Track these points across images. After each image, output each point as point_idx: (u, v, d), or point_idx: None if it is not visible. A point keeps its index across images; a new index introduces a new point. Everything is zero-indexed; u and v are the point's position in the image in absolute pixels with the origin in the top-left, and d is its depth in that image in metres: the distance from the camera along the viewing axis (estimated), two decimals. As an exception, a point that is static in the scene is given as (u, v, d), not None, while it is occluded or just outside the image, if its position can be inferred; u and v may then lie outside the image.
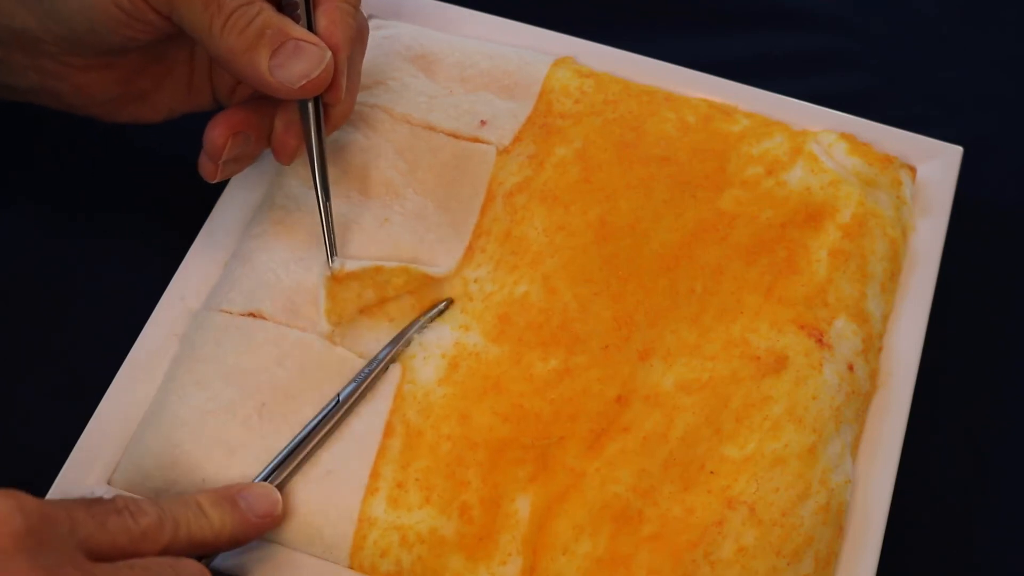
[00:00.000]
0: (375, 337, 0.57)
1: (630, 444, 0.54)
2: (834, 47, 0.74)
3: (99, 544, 0.45)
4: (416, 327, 0.57)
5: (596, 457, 0.54)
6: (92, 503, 0.47)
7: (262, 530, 0.51)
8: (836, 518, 0.53)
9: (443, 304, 0.58)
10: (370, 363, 0.56)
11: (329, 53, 0.54)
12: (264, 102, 0.57)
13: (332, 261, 0.57)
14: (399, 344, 0.56)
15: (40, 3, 0.54)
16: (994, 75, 0.74)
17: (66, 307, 0.62)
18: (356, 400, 0.55)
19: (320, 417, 0.54)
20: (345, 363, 0.56)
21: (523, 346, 0.56)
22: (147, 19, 0.54)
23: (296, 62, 0.53)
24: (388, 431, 0.54)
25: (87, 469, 0.53)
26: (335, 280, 0.57)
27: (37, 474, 0.54)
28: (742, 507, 0.52)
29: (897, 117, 0.64)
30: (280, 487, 0.52)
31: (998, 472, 0.61)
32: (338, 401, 0.54)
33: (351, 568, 0.52)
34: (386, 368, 0.56)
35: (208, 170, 0.57)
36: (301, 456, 0.53)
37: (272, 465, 0.53)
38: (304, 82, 0.54)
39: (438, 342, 0.56)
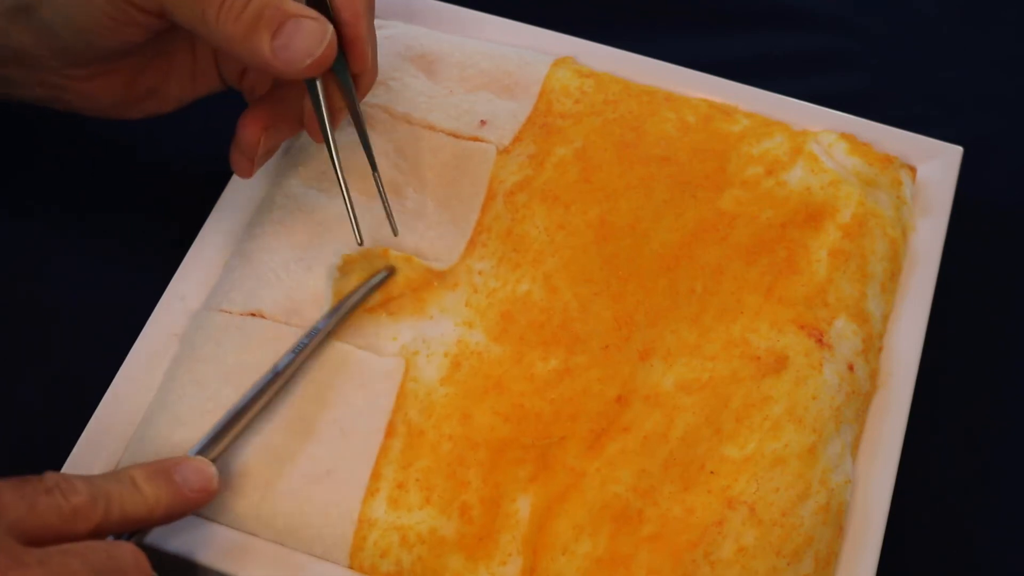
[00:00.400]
0: (374, 331, 0.57)
1: (630, 444, 0.54)
2: (834, 47, 0.74)
3: (30, 526, 0.45)
4: (356, 298, 0.56)
5: (596, 457, 0.54)
6: (21, 483, 0.46)
7: (197, 504, 0.50)
8: (836, 518, 0.53)
9: (384, 274, 0.57)
10: (308, 333, 0.55)
11: (331, 27, 0.53)
12: (287, 88, 0.57)
13: (394, 229, 0.57)
14: (338, 316, 0.56)
15: (31, 20, 0.54)
16: (994, 75, 0.74)
17: (67, 306, 0.62)
18: (357, 395, 0.55)
19: (257, 389, 0.53)
20: (345, 358, 0.56)
21: (524, 345, 0.56)
22: (138, 21, 0.53)
23: (298, 41, 0.52)
24: (390, 431, 0.54)
25: (87, 469, 0.53)
26: (350, 261, 0.57)
27: (37, 474, 0.53)
28: (742, 507, 0.52)
29: (897, 117, 0.64)
30: (215, 461, 0.52)
31: (998, 472, 0.61)
32: (276, 372, 0.54)
33: (351, 568, 0.52)
34: (323, 341, 0.55)
35: (243, 167, 0.57)
36: (236, 430, 0.53)
37: (208, 438, 0.52)
38: (310, 61, 0.52)
39: (441, 339, 0.56)
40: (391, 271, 0.57)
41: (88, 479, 0.47)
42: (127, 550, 0.46)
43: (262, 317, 0.57)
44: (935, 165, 0.63)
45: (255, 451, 0.53)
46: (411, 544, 0.52)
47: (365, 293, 0.57)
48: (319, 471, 0.53)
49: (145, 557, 0.47)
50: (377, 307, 0.57)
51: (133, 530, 0.49)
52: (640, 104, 0.64)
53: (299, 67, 0.53)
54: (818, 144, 0.62)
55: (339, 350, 0.56)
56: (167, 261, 0.59)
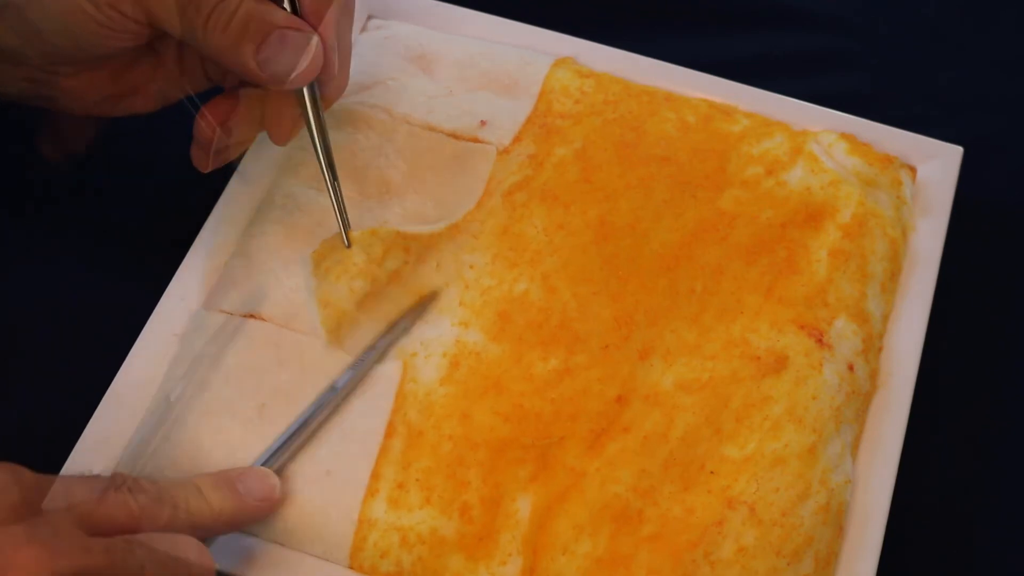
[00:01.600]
0: (374, 329, 0.57)
1: (630, 444, 0.54)
2: (834, 47, 0.74)
3: (97, 519, 0.45)
4: (412, 316, 0.57)
5: (596, 457, 0.54)
6: (91, 479, 0.47)
7: (260, 515, 0.51)
8: (836, 518, 0.53)
9: (432, 295, 0.58)
10: (367, 351, 0.56)
11: (316, 39, 0.53)
12: (253, 87, 0.56)
13: (347, 240, 0.57)
14: (395, 333, 0.56)
15: (16, 20, 0.53)
16: (994, 75, 0.74)
17: (67, 306, 0.62)
18: (356, 397, 0.55)
19: (317, 405, 0.54)
20: (346, 362, 0.56)
21: (523, 345, 0.56)
22: (128, 29, 0.53)
23: (284, 54, 0.52)
24: (390, 431, 0.54)
25: (87, 469, 0.53)
26: (320, 257, 0.57)
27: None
28: (742, 507, 0.52)
29: (897, 117, 0.64)
30: (277, 473, 0.52)
31: (998, 472, 0.61)
32: (335, 390, 0.54)
33: (351, 568, 0.52)
34: (382, 358, 0.56)
35: (200, 161, 0.57)
36: (297, 444, 0.53)
37: (270, 451, 0.53)
38: (295, 75, 0.53)
39: (439, 339, 0.56)
40: (435, 295, 0.58)
41: (155, 482, 0.48)
42: (191, 543, 0.47)
43: (261, 318, 0.57)
44: (935, 165, 0.63)
45: (255, 452, 0.53)
46: (411, 544, 0.52)
47: (419, 311, 0.57)
48: (319, 471, 0.53)
49: (208, 553, 0.47)
50: (372, 308, 0.57)
51: (197, 538, 0.49)
52: (640, 104, 0.64)
53: (282, 83, 0.53)
54: (818, 144, 0.62)
55: (336, 355, 0.56)
56: (167, 261, 0.59)
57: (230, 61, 0.53)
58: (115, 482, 0.47)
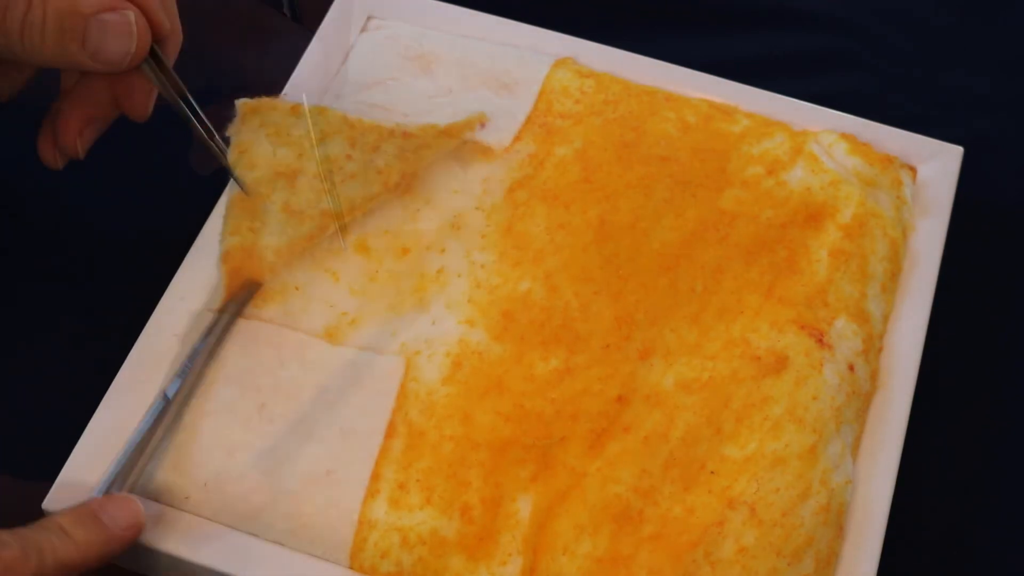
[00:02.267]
0: (375, 330, 0.57)
1: (631, 444, 0.54)
2: (834, 47, 0.74)
3: None
4: (226, 318, 0.56)
5: (597, 457, 0.54)
6: None
7: (128, 542, 0.50)
8: (836, 518, 0.53)
9: (250, 292, 0.57)
10: (190, 357, 0.55)
11: (132, 14, 0.51)
12: (95, 81, 0.55)
13: (243, 188, 0.57)
14: (214, 335, 0.55)
15: (15, 30, 0.52)
16: (994, 75, 0.74)
17: (66, 307, 0.62)
18: (357, 395, 0.55)
19: (150, 418, 0.53)
20: (345, 357, 0.56)
21: (525, 345, 0.56)
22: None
23: (110, 40, 0.51)
24: (390, 431, 0.54)
25: (88, 470, 0.53)
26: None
27: (38, 475, 0.53)
28: (743, 507, 0.52)
29: (897, 117, 0.64)
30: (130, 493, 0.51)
31: (998, 472, 0.61)
32: (167, 399, 0.53)
33: (351, 569, 0.52)
34: (207, 360, 0.55)
35: (57, 162, 0.57)
36: (143, 462, 0.52)
37: (112, 475, 0.51)
38: (129, 59, 0.52)
39: (443, 338, 0.56)
40: (256, 287, 0.57)
41: (15, 532, 0.46)
42: None
43: (260, 319, 0.57)
44: (935, 165, 0.63)
45: (255, 453, 0.53)
46: (412, 545, 0.52)
47: (236, 310, 0.56)
48: (319, 472, 0.53)
49: None
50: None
51: None
52: (640, 104, 0.64)
53: (121, 67, 0.52)
54: (818, 144, 0.62)
55: (338, 352, 0.56)
56: (167, 261, 0.59)
57: (61, 64, 0.51)
58: None
